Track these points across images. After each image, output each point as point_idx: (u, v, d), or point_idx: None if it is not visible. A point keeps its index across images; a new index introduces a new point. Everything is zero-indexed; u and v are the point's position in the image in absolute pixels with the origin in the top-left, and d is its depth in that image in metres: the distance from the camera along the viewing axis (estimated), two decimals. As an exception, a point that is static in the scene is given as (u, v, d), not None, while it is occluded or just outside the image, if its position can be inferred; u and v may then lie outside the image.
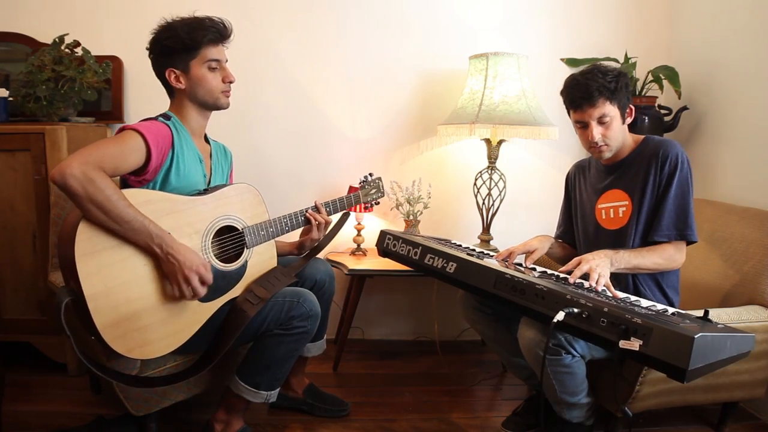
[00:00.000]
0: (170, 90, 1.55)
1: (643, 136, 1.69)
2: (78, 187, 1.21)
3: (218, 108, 1.56)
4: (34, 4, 2.30)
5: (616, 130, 1.61)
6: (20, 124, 2.01)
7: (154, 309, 1.34)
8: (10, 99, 2.05)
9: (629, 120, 1.66)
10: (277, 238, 1.64)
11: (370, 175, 1.95)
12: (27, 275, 2.01)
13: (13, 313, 2.03)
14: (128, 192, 1.31)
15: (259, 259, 1.58)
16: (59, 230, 1.33)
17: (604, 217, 1.71)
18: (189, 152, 1.50)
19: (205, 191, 1.51)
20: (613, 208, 1.69)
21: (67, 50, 2.12)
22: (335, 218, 1.81)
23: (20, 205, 1.97)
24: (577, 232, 1.84)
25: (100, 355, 1.41)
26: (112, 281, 1.27)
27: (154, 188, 1.42)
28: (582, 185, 1.83)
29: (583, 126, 1.63)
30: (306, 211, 1.69)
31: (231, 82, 1.56)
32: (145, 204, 1.32)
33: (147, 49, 1.52)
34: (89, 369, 1.36)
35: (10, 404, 1.71)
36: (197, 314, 1.44)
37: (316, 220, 1.69)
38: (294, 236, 1.77)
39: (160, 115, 1.51)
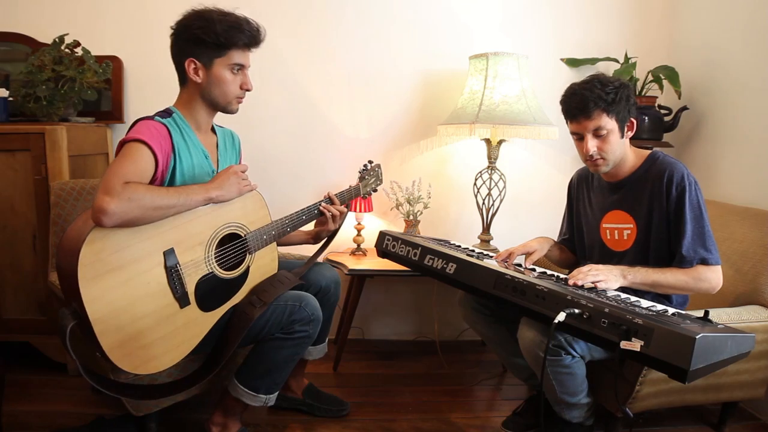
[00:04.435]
0: (183, 79, 1.49)
1: (647, 153, 1.64)
2: (125, 216, 1.22)
3: (226, 112, 1.53)
4: (34, 4, 2.29)
5: (613, 144, 1.55)
6: (20, 124, 2.01)
7: (158, 325, 1.34)
8: (10, 99, 2.05)
9: (630, 134, 1.60)
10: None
11: (370, 162, 1.95)
12: (27, 275, 2.01)
13: (13, 313, 2.03)
14: None
15: (261, 263, 1.58)
16: (59, 248, 1.31)
17: (608, 237, 1.69)
18: (193, 149, 1.47)
19: None
20: (618, 230, 1.66)
21: (67, 50, 2.12)
22: None
23: (20, 205, 1.97)
24: (582, 245, 1.81)
25: (104, 366, 1.41)
26: (116, 303, 1.26)
27: None
28: (585, 198, 1.80)
29: (579, 138, 1.59)
30: (319, 205, 1.72)
31: (248, 90, 1.52)
32: None
33: (171, 28, 1.45)
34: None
35: (10, 404, 1.71)
36: (200, 325, 1.44)
37: (329, 211, 1.72)
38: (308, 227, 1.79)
39: (159, 113, 1.45)
